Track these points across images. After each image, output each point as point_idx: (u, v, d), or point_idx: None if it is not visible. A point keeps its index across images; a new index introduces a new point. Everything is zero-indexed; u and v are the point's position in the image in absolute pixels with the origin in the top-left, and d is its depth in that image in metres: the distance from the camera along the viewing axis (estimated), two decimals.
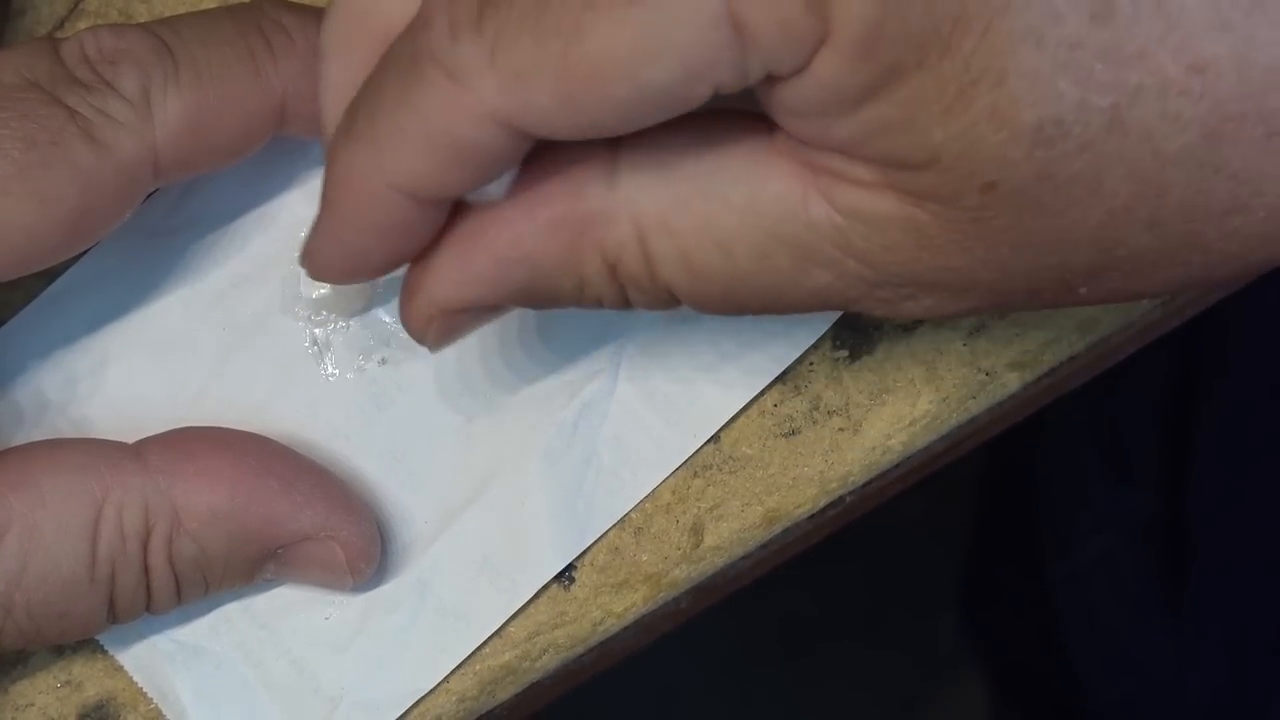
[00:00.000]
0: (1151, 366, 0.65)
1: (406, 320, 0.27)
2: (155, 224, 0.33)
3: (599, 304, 0.27)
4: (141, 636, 0.31)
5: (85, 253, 0.32)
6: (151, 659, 0.31)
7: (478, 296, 0.27)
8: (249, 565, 0.30)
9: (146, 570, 0.29)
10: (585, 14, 0.22)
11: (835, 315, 0.32)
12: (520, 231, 0.26)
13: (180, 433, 0.30)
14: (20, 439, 0.32)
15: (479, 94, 0.23)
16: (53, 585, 0.28)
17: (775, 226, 0.25)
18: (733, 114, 0.26)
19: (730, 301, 0.27)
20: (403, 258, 0.26)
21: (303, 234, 0.32)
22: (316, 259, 0.26)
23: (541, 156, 0.26)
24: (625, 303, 0.27)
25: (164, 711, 0.31)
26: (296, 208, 0.33)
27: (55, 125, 0.27)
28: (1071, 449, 0.71)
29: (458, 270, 0.26)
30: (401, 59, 0.24)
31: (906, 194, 0.24)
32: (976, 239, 0.24)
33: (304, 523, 0.30)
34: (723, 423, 0.32)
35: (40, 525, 0.28)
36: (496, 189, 0.26)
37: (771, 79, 0.23)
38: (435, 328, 0.27)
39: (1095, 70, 0.22)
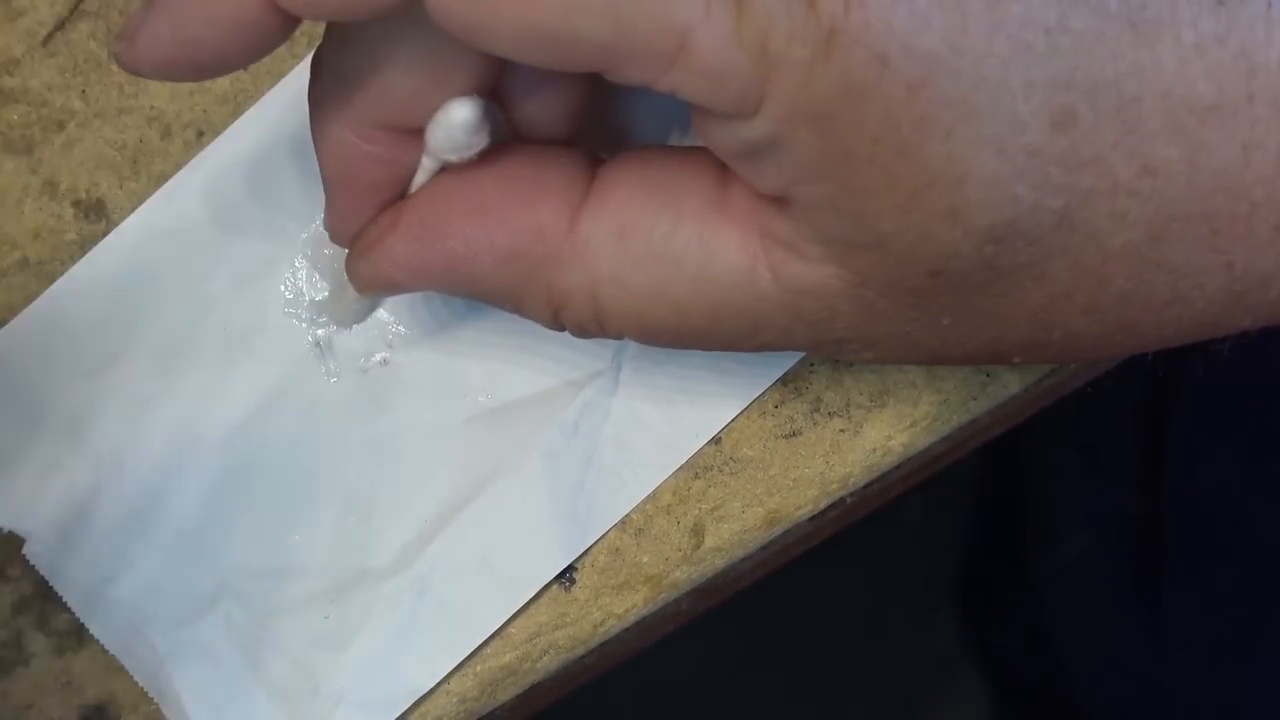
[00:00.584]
0: (1130, 366, 0.65)
1: (352, 275, 0.28)
2: (157, 224, 0.33)
3: (529, 318, 0.28)
4: (142, 637, 0.31)
5: (87, 253, 0.32)
6: (152, 659, 0.31)
7: (421, 285, 0.28)
8: None
9: None
10: None
11: None
12: (477, 250, 0.27)
13: None
14: (21, 438, 0.32)
15: None
16: None
17: (726, 295, 0.25)
18: (690, 167, 0.26)
19: (678, 346, 0.27)
20: (228, 63, 0.24)
21: (304, 235, 0.32)
22: (139, 34, 0.24)
23: (510, 181, 0.27)
24: (559, 328, 0.28)
25: (164, 711, 0.31)
26: (299, 208, 0.33)
27: None
28: (1052, 448, 0.71)
29: (410, 261, 0.27)
30: None
31: (852, 271, 0.24)
32: (920, 311, 0.24)
33: None
34: (724, 423, 0.32)
35: None
36: (464, 150, 0.26)
37: (701, 112, 0.23)
38: (375, 291, 0.29)
39: (1051, 175, 0.22)
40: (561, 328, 0.28)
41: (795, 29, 0.21)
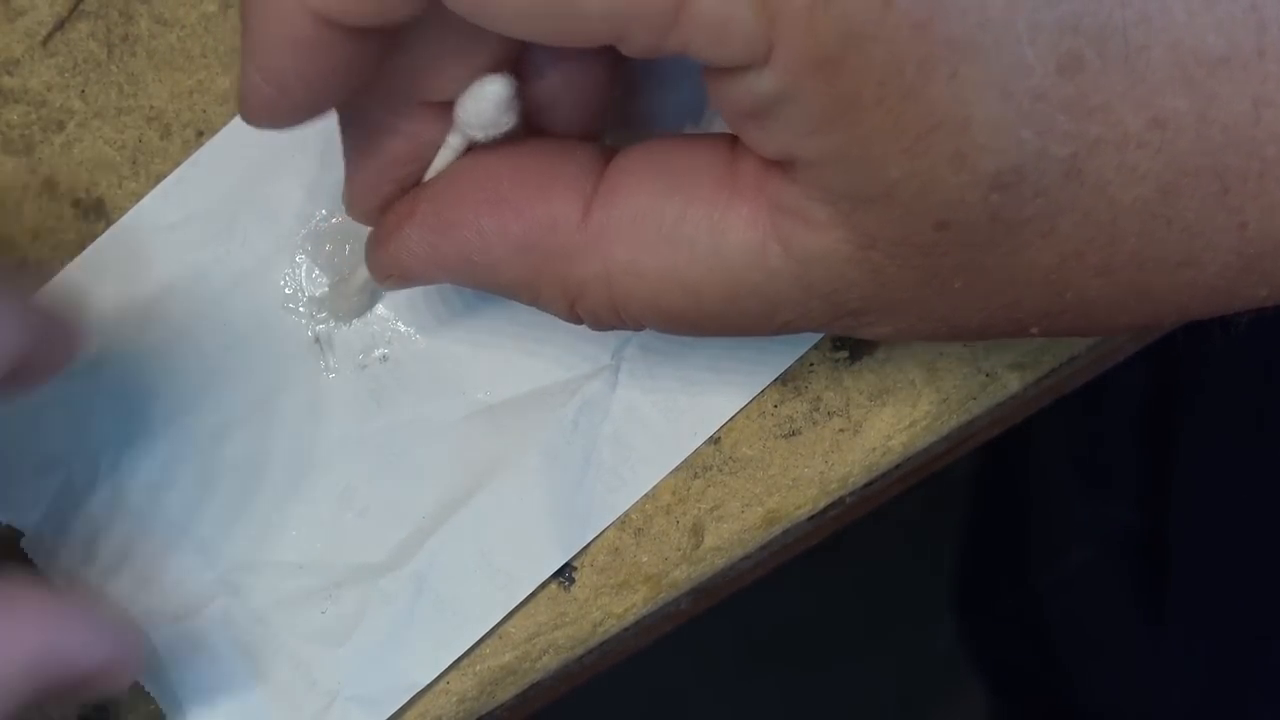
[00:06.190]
0: (1130, 381, 0.65)
1: (372, 266, 0.29)
2: (155, 220, 0.33)
3: (547, 311, 0.28)
4: (140, 633, 0.32)
5: (83, 250, 0.32)
6: (148, 654, 0.31)
7: (439, 276, 0.28)
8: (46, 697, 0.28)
9: None
10: None
11: None
12: (491, 240, 0.27)
13: None
14: (19, 433, 0.32)
15: None
16: None
17: (740, 275, 0.25)
18: (699, 150, 0.26)
19: (698, 333, 0.27)
20: (324, 91, 0.25)
21: (304, 231, 0.32)
22: (243, 88, 0.25)
23: (523, 173, 0.27)
24: (576, 320, 0.28)
25: (162, 706, 0.31)
26: (299, 205, 0.33)
27: None
28: (1052, 461, 0.71)
29: (426, 251, 0.27)
30: None
31: (860, 232, 0.24)
32: (930, 274, 0.24)
33: (100, 659, 0.28)
34: (723, 422, 0.32)
35: None
36: (492, 129, 0.26)
37: (714, 71, 0.23)
38: (394, 282, 0.29)
39: (1057, 121, 0.22)
40: (579, 320, 0.28)
41: None
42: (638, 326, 0.27)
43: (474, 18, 0.23)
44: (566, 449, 0.32)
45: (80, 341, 0.29)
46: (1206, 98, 0.21)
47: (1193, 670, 0.65)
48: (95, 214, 0.33)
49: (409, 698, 0.32)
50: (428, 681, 0.32)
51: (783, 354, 0.32)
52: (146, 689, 0.32)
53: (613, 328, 0.28)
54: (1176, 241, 0.23)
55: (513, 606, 0.32)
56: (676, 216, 0.26)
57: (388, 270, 0.28)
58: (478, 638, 0.32)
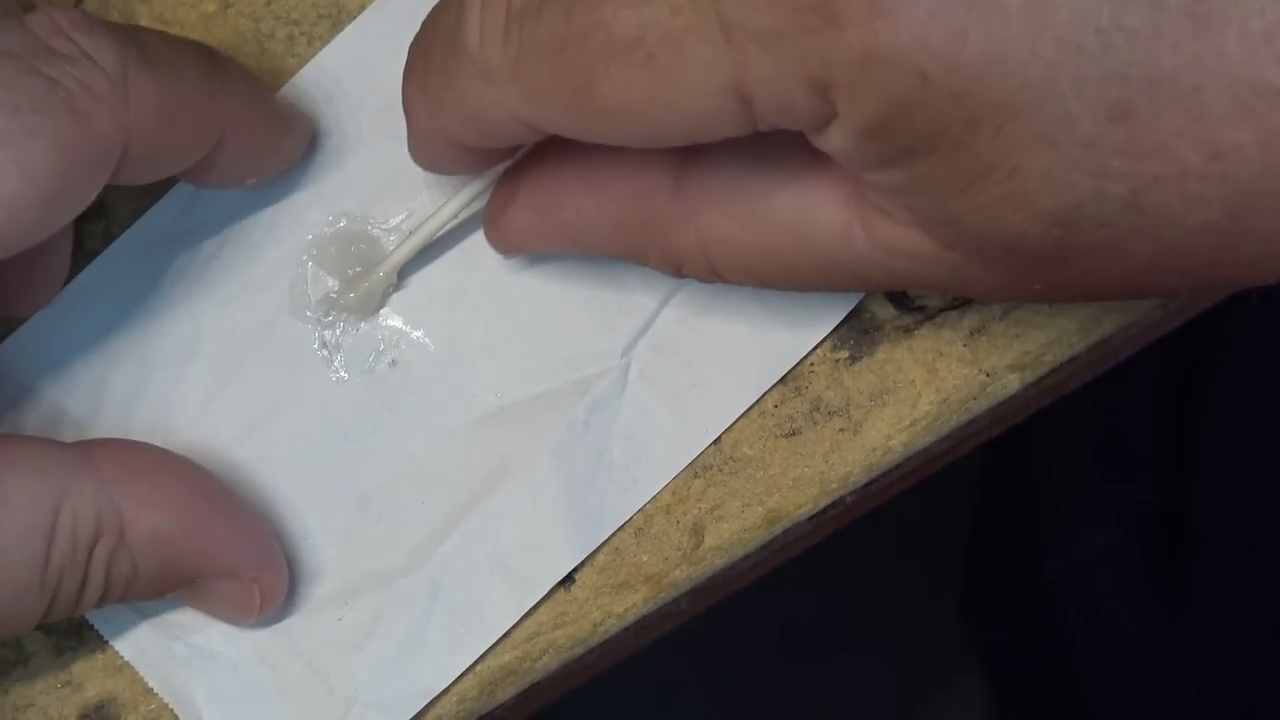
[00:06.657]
0: (1148, 360, 0.65)
1: (489, 239, 0.31)
2: (163, 229, 0.33)
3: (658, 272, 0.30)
4: (158, 643, 0.32)
5: (93, 259, 0.32)
6: (168, 664, 0.31)
7: (548, 250, 0.30)
8: (167, 587, 0.30)
9: (84, 578, 0.28)
10: (598, 66, 0.23)
11: (847, 309, 0.32)
12: (589, 219, 0.28)
13: (128, 444, 0.30)
14: None
15: (504, 96, 0.25)
16: (6, 590, 0.27)
17: (828, 253, 0.26)
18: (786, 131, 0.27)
19: (801, 290, 0.29)
20: (480, 167, 0.29)
21: (310, 237, 0.32)
22: (412, 157, 0.29)
23: (618, 150, 0.27)
24: (684, 278, 0.29)
25: (180, 715, 0.31)
26: (304, 211, 0.33)
27: (38, 94, 0.26)
28: (1069, 443, 0.71)
29: (531, 229, 0.29)
30: (444, 31, 0.26)
31: (937, 239, 0.25)
32: (1008, 277, 0.25)
33: (236, 560, 0.30)
34: (735, 418, 0.32)
35: (4, 527, 0.27)
36: None
37: None
38: (513, 253, 0.32)
39: (1111, 165, 0.22)
40: (681, 276, 0.29)
41: (831, 56, 0.22)
42: (741, 284, 0.29)
43: (584, 139, 0.25)
44: (578, 449, 0.32)
45: (295, 136, 0.32)
46: (1270, 128, 0.21)
47: (1209, 656, 0.65)
48: (95, 214, 0.33)
49: (425, 704, 0.31)
50: (443, 687, 0.32)
51: (791, 351, 0.32)
52: (165, 699, 0.32)
53: (720, 282, 0.29)
54: (1252, 247, 0.23)
55: (526, 609, 0.32)
56: (766, 191, 0.26)
57: (502, 248, 0.30)
58: (492, 642, 0.32)
